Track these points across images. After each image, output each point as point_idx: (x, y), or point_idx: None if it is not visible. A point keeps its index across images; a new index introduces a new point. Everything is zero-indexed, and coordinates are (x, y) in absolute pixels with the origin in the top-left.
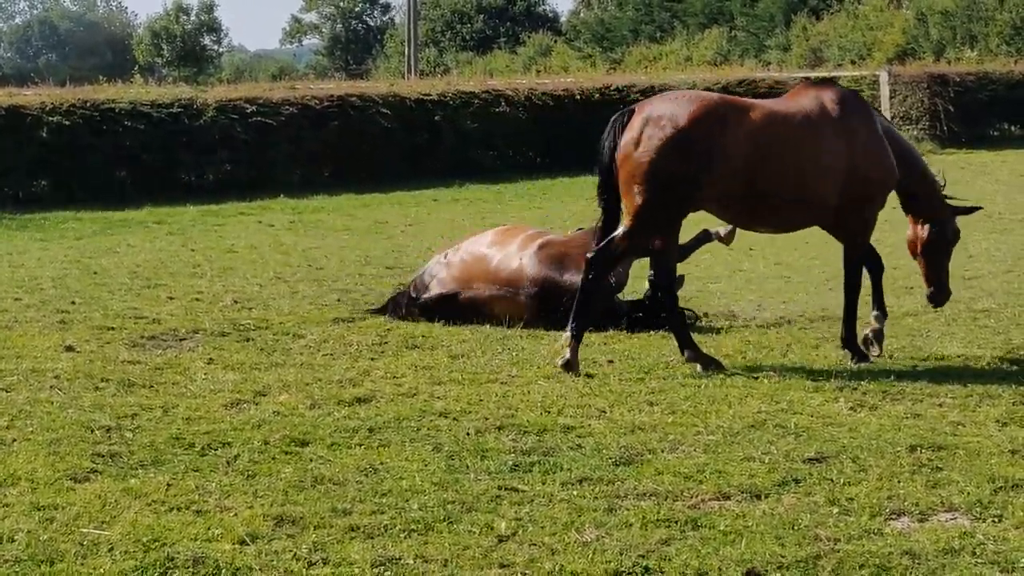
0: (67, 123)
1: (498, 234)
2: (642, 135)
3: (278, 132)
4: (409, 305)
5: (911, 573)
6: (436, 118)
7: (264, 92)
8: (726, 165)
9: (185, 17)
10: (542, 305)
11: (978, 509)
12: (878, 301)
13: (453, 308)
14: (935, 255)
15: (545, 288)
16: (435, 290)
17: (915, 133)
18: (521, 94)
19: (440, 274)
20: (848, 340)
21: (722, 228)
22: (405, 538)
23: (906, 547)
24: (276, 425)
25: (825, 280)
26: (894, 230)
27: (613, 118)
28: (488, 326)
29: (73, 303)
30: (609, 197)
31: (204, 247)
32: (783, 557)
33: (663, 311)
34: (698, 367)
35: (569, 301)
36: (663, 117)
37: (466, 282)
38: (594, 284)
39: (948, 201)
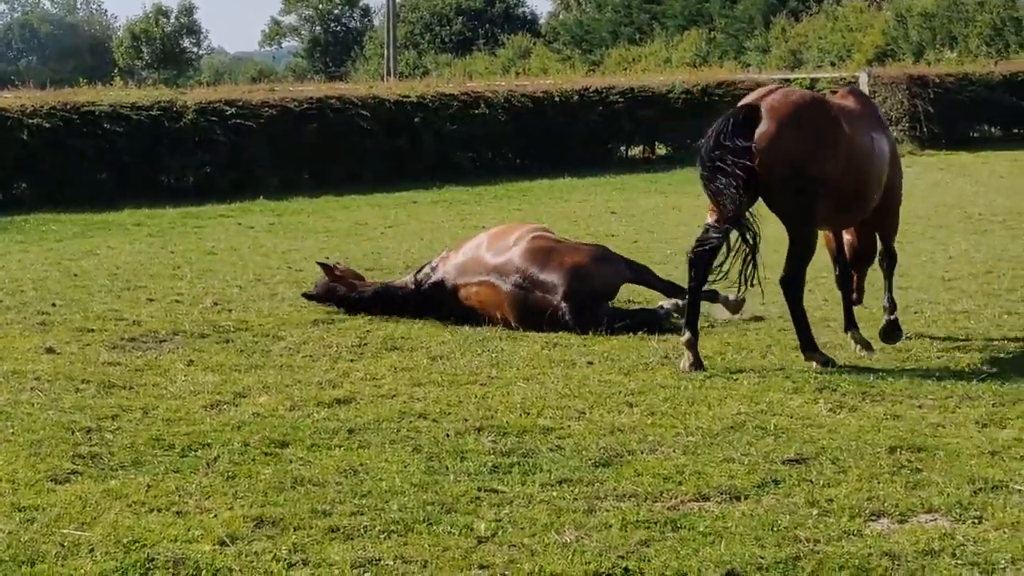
0: (47, 125)
1: (504, 227)
2: (783, 134)
3: (258, 134)
4: (414, 295)
5: (891, 574)
6: (415, 120)
7: (244, 94)
8: (837, 163)
9: (165, 20)
10: (520, 299)
11: (958, 510)
12: (849, 319)
13: (447, 297)
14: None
15: (525, 280)
16: (434, 278)
17: (895, 135)
18: (500, 96)
19: (440, 265)
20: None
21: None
22: (385, 539)
23: (886, 548)
24: (256, 427)
25: (805, 281)
26: None
27: (731, 116)
28: (467, 327)
29: (54, 305)
30: (732, 194)
31: (184, 249)
32: (763, 558)
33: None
34: (684, 360)
35: (544, 310)
36: (795, 115)
37: (462, 269)
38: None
39: None
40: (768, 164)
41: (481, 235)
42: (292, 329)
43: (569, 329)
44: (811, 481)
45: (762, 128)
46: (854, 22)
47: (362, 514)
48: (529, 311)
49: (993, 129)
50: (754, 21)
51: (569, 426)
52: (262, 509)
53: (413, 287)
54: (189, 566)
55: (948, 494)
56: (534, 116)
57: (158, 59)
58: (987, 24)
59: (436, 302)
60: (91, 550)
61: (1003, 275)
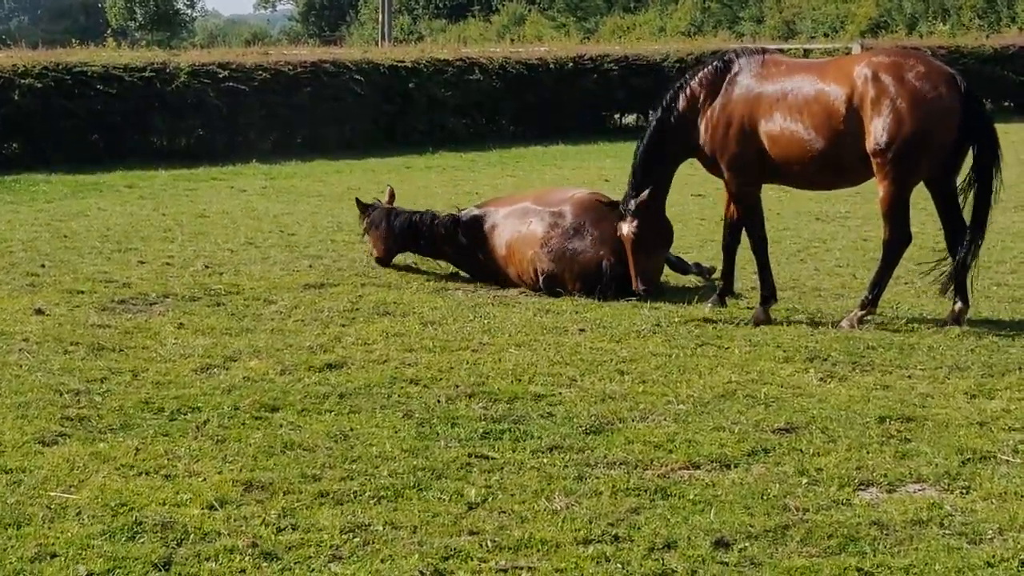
0: (39, 86)
1: (551, 188)
2: None
3: (251, 97)
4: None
5: (879, 543)
6: (409, 85)
7: (237, 57)
8: None
9: None
10: (561, 248)
11: (946, 480)
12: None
13: (479, 236)
14: None
15: (573, 228)
16: (475, 212)
17: None
18: (495, 62)
19: (484, 207)
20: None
21: None
22: (375, 504)
23: (874, 518)
24: (246, 390)
25: (796, 251)
26: (866, 201)
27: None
28: (461, 293)
29: (43, 266)
30: None
31: (176, 212)
32: (752, 527)
33: None
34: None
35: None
36: None
37: (507, 213)
38: None
39: None
40: None
41: (528, 191)
42: (283, 293)
43: (605, 284)
44: (801, 450)
45: None
46: None
47: (352, 479)
48: (568, 261)
49: (984, 102)
50: None
51: (560, 393)
52: (251, 473)
53: (451, 217)
54: (177, 529)
55: (936, 464)
56: (528, 83)
57: (151, 21)
58: None
59: (467, 236)
60: (78, 513)
61: (992, 247)
